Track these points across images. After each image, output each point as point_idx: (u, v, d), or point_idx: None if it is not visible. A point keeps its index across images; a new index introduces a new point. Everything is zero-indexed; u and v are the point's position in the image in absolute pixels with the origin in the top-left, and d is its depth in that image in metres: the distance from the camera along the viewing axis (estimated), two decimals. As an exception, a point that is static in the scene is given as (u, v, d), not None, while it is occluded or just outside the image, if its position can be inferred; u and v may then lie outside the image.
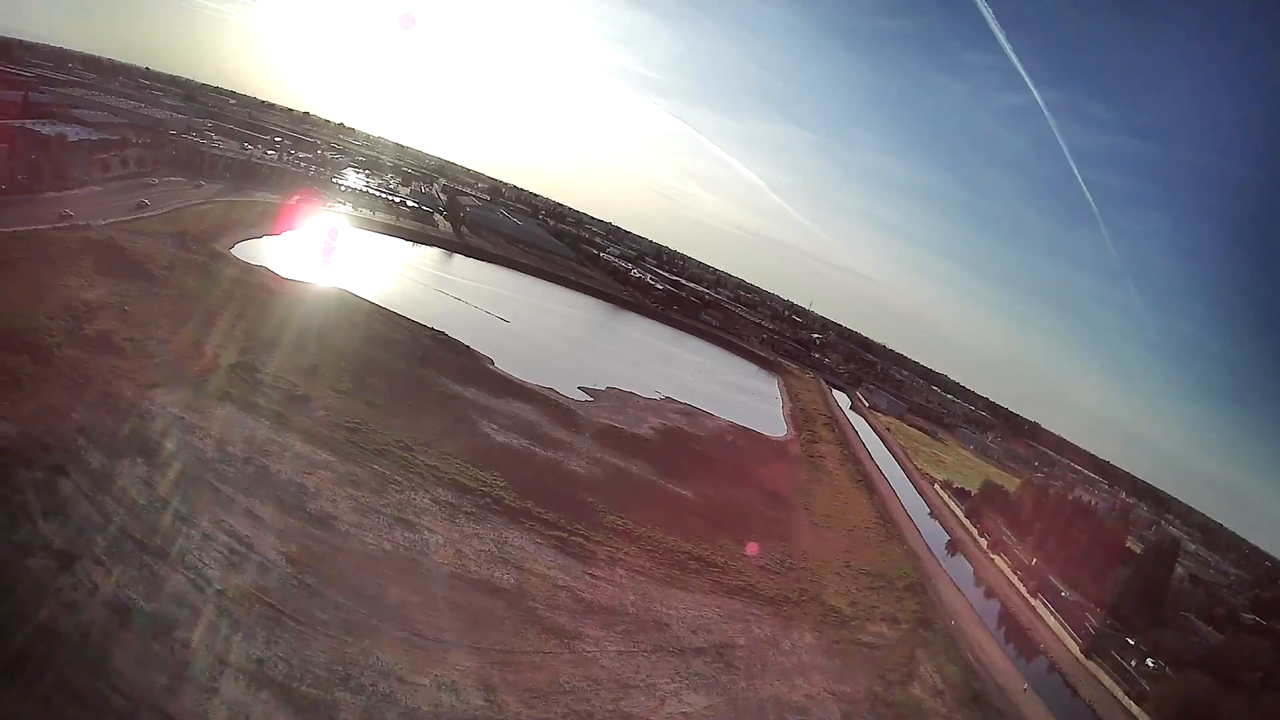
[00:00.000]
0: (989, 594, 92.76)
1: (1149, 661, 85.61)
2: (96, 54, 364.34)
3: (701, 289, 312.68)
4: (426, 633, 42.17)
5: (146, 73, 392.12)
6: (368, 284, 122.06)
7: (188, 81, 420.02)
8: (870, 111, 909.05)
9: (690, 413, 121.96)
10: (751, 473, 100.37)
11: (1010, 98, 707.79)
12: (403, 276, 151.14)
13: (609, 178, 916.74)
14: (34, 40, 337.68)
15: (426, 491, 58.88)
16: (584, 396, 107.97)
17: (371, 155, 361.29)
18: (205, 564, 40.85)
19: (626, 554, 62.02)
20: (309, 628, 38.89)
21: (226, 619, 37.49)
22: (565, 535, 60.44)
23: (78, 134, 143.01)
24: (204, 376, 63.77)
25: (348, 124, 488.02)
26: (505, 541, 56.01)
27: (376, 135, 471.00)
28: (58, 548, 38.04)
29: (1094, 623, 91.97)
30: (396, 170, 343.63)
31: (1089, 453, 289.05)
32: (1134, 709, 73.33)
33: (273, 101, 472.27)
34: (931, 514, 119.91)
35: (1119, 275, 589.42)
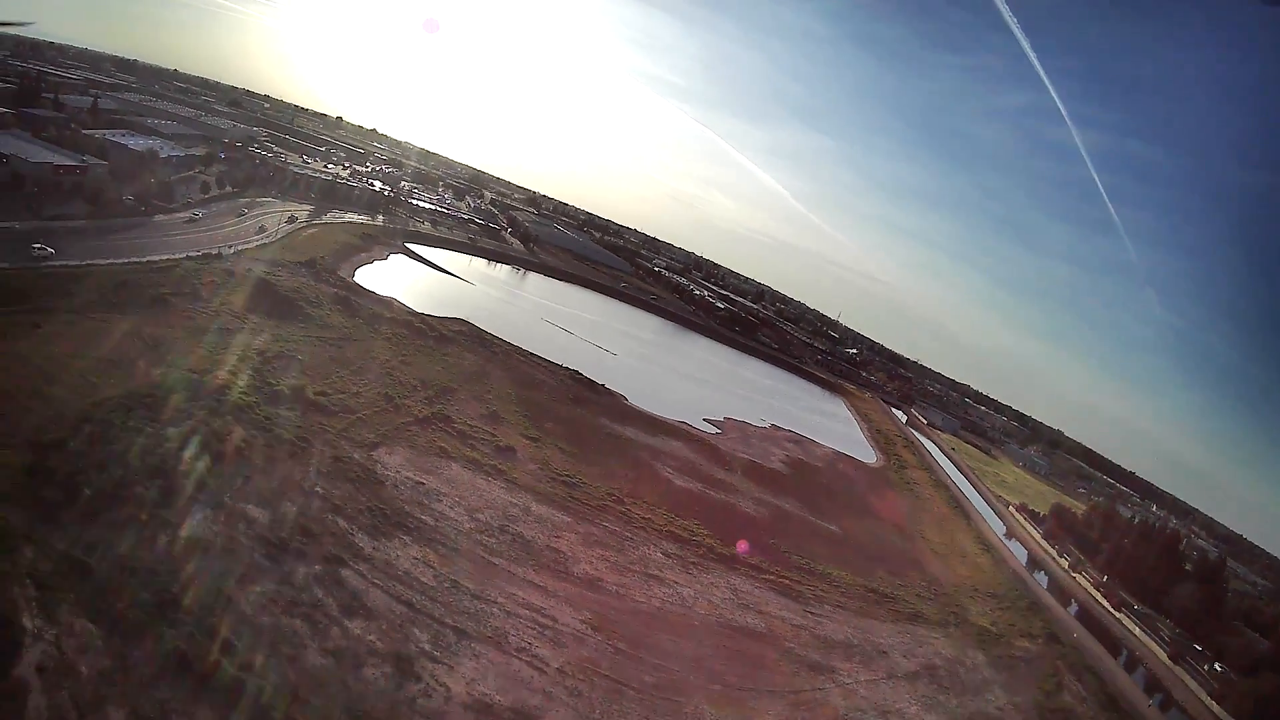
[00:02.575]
0: (1083, 609, 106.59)
1: (1216, 666, 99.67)
2: (122, 55, 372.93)
3: (748, 303, 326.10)
4: (729, 681, 51.04)
5: (175, 75, 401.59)
6: (485, 312, 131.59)
7: (216, 84, 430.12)
8: (889, 117, 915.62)
9: (799, 440, 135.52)
10: (870, 504, 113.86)
11: (1029, 101, 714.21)
12: (506, 303, 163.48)
13: (631, 184, 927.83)
14: (62, 42, 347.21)
15: (655, 545, 68.29)
16: (712, 429, 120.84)
17: (413, 166, 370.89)
18: (529, 643, 44.75)
19: (824, 591, 74.72)
20: (644, 692, 45.14)
21: (578, 699, 41.61)
22: (774, 577, 72.22)
23: (164, 149, 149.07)
24: (410, 430, 68.98)
25: (379, 130, 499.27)
26: (736, 588, 66.64)
27: (405, 141, 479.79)
28: (385, 651, 38.05)
29: (1167, 633, 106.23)
30: (444, 183, 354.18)
31: (1114, 463, 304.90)
32: (1214, 708, 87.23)
33: (304, 105, 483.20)
34: (1009, 534, 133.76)
35: (1139, 282, 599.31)
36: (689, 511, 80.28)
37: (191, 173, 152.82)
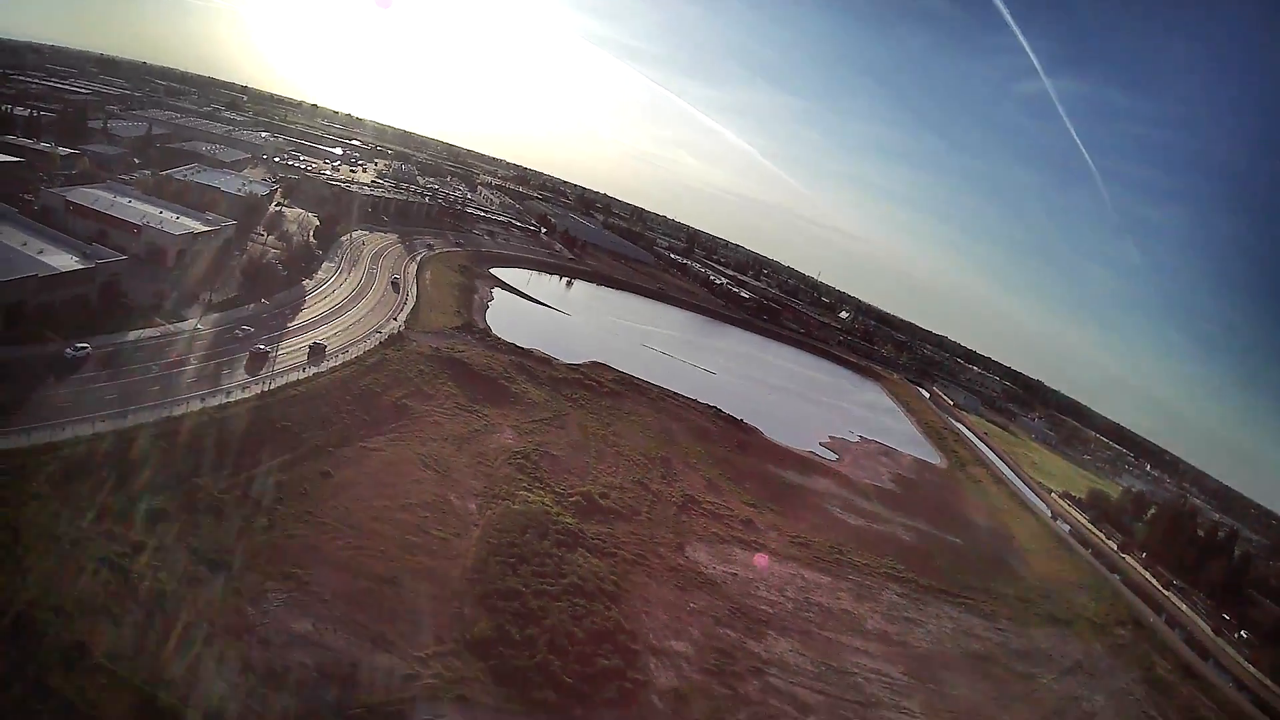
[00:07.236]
0: (1140, 590, 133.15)
1: (1242, 633, 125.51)
2: (93, 51, 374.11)
3: (753, 281, 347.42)
4: (998, 693, 73.63)
5: (146, 68, 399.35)
6: (603, 348, 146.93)
7: (190, 76, 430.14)
8: (860, 78, 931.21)
9: (887, 451, 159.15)
10: (960, 511, 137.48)
11: (1004, 60, 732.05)
12: (606, 331, 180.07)
13: (593, 147, 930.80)
14: (30, 40, 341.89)
15: (886, 589, 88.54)
16: (829, 454, 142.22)
17: (417, 157, 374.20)
18: (896, 699, 62.10)
19: (993, 608, 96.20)
20: (969, 713, 66.68)
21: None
22: (965, 602, 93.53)
23: (254, 187, 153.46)
24: (683, 521, 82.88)
25: (354, 115, 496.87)
26: (950, 616, 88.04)
27: (381, 123, 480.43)
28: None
29: (1200, 605, 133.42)
30: (449, 172, 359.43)
31: (1099, 413, 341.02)
32: (1252, 670, 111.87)
33: (278, 93, 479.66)
34: (1054, 516, 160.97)
35: (1118, 232, 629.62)
36: (877, 550, 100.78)
37: (275, 209, 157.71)
